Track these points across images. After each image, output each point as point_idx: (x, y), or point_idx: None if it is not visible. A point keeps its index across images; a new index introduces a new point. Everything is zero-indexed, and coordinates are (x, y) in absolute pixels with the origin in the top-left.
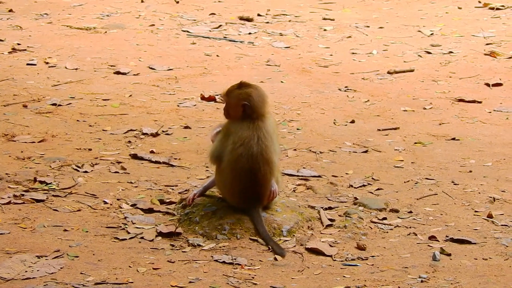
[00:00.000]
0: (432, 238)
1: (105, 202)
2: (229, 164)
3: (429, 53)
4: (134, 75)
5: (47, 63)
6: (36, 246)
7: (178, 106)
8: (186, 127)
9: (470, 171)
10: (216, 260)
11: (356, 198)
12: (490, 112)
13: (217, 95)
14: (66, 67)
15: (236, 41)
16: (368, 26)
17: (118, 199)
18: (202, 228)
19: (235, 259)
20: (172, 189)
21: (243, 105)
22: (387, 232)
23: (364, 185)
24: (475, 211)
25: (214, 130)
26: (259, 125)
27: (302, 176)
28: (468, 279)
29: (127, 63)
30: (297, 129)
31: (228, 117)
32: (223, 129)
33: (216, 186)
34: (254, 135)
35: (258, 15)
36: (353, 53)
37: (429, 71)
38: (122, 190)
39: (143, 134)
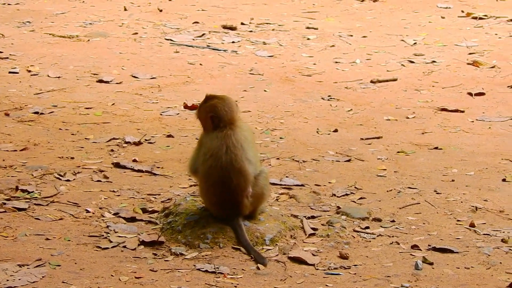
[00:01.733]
0: (415, 247)
1: (87, 211)
2: (202, 176)
3: (412, 62)
4: (117, 83)
5: (29, 71)
6: (18, 255)
7: (161, 114)
8: (169, 136)
9: (453, 180)
10: (198, 269)
11: (339, 207)
12: (472, 122)
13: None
14: (48, 75)
15: (220, 50)
16: (351, 35)
17: (100, 208)
18: (184, 237)
19: (217, 268)
20: (155, 197)
21: (210, 117)
22: (370, 241)
23: (347, 194)
24: (458, 220)
25: None
26: (228, 134)
27: (285, 185)
28: None
29: (110, 72)
30: (280, 138)
31: (204, 130)
32: (198, 140)
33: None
34: (222, 145)
35: (242, 23)
36: (336, 62)
37: (412, 80)
38: (105, 198)
39: (126, 142)
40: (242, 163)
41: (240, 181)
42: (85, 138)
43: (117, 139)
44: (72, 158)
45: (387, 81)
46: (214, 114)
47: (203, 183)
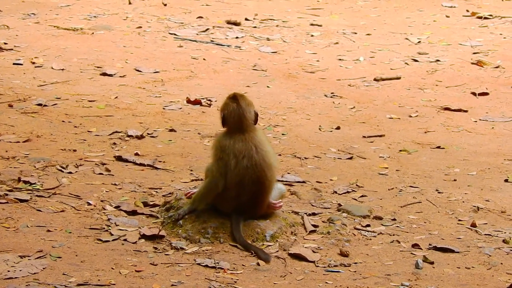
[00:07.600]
0: (415, 246)
1: (89, 204)
2: (237, 177)
3: (416, 61)
4: (120, 77)
5: (33, 63)
6: (19, 246)
7: (163, 108)
8: (171, 130)
9: (455, 180)
10: (198, 264)
11: (340, 205)
12: (475, 121)
13: (203, 98)
14: (52, 68)
15: (223, 45)
16: (355, 33)
17: (102, 201)
18: (185, 231)
19: (217, 263)
20: (156, 191)
21: (222, 115)
22: (370, 239)
23: (348, 192)
24: (459, 220)
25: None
26: (251, 136)
27: (286, 181)
28: None
29: (113, 65)
30: (282, 134)
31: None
32: (215, 148)
33: None
34: (251, 146)
35: (246, 19)
36: (340, 59)
37: (416, 79)
38: (106, 191)
39: (128, 136)
40: (271, 159)
41: (273, 177)
42: (88, 131)
43: (119, 132)
44: (75, 150)
45: (390, 79)
46: (224, 115)
47: (235, 185)
